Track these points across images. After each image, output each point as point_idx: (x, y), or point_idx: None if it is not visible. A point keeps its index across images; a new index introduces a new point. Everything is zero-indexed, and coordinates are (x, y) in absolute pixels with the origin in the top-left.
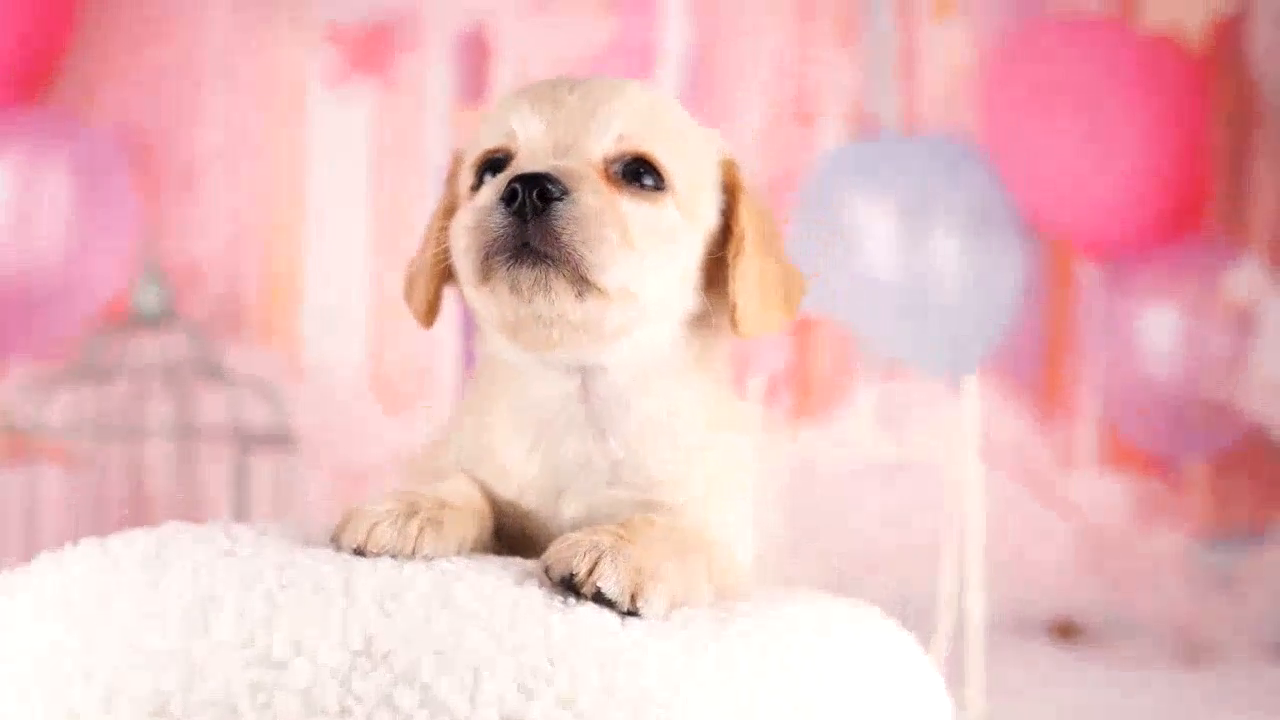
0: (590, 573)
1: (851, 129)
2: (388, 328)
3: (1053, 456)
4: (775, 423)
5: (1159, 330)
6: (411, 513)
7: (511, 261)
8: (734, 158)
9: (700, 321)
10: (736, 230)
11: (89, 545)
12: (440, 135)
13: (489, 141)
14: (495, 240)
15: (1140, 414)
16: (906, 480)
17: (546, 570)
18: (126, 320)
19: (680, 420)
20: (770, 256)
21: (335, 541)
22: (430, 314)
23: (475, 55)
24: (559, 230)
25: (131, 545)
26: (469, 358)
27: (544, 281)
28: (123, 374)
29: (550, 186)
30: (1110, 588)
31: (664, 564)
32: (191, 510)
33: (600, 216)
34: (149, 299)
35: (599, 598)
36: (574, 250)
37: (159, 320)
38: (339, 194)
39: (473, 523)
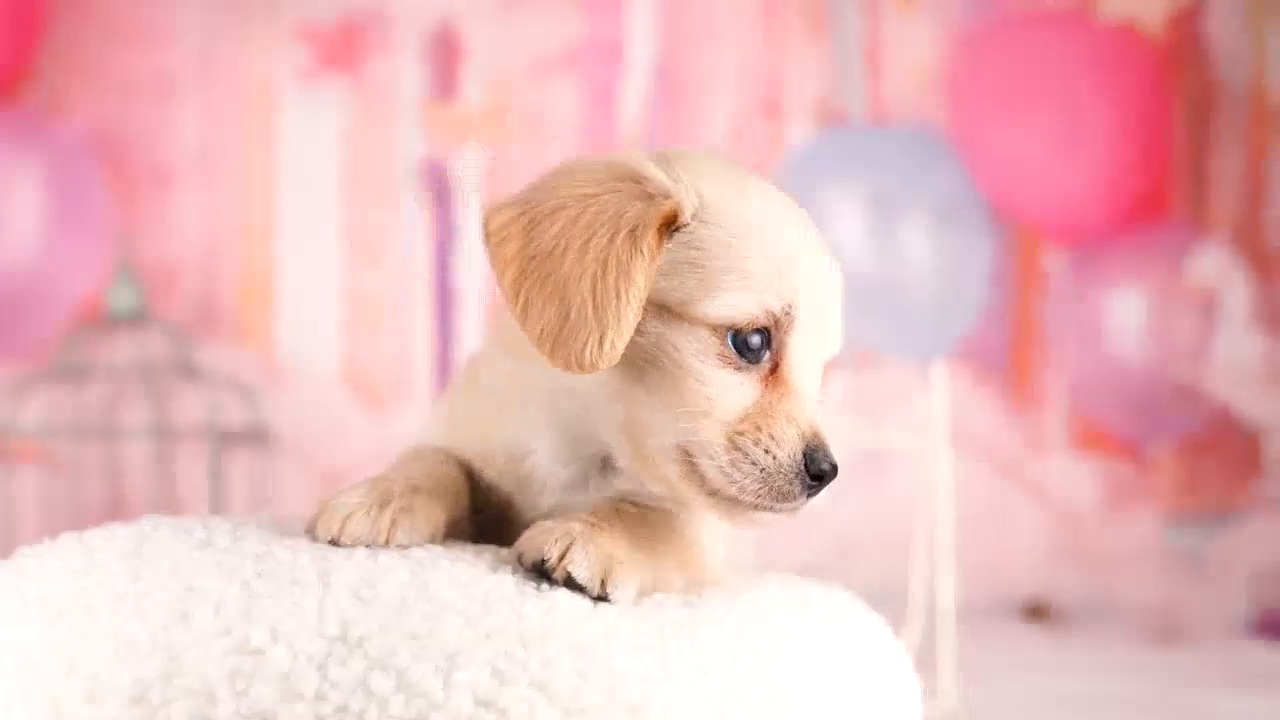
0: (562, 558)
1: (820, 122)
2: (362, 326)
3: (1023, 442)
4: None
5: (1126, 315)
6: (384, 502)
7: (776, 511)
8: None
9: None
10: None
11: (67, 539)
12: (411, 133)
13: (762, 304)
14: (776, 498)
15: (1108, 398)
16: (878, 468)
17: (519, 557)
18: (101, 320)
19: None
20: None
21: (310, 533)
22: (615, 357)
23: (445, 54)
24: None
25: (110, 539)
26: (444, 356)
27: (775, 520)
28: (98, 374)
29: (828, 468)
30: (1081, 571)
31: (634, 551)
32: (169, 509)
33: None
34: (124, 299)
35: (570, 583)
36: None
37: (134, 320)
38: (312, 193)
39: (444, 504)
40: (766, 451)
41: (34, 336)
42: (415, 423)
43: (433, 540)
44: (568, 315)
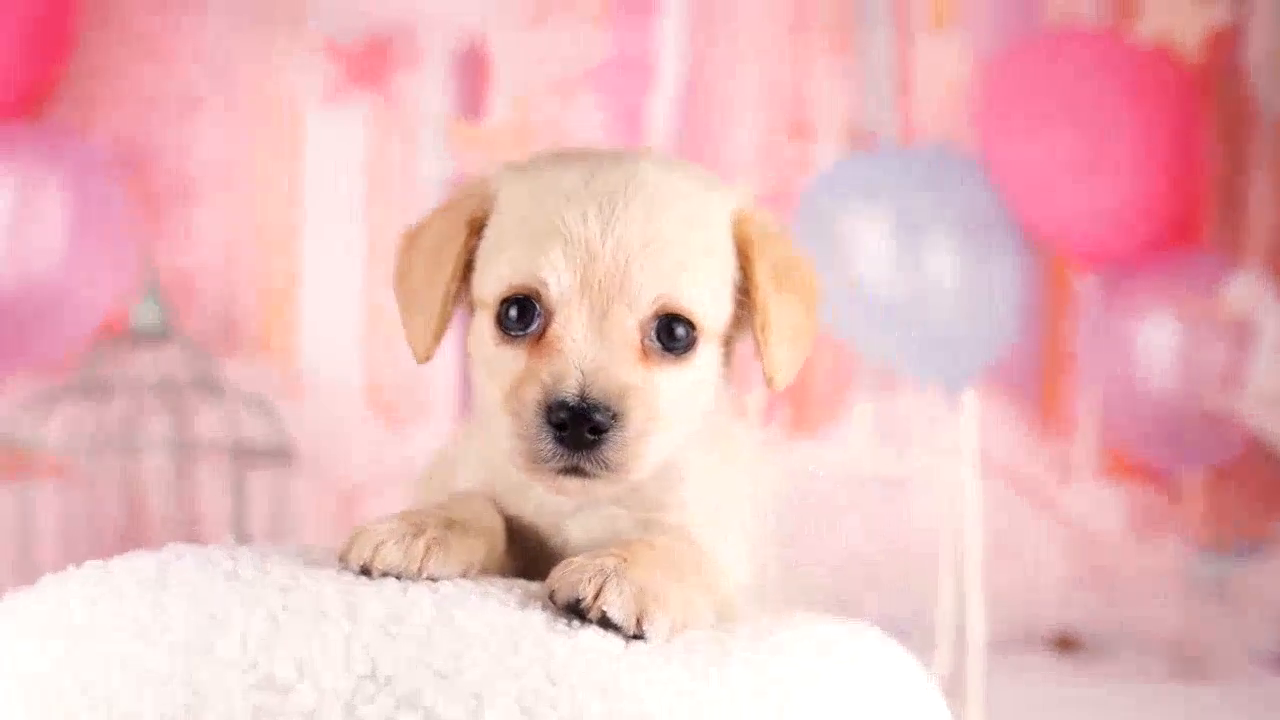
0: (596, 597)
1: (848, 143)
2: (385, 342)
3: (1051, 469)
4: (773, 437)
5: (1157, 342)
6: (418, 533)
7: (557, 474)
8: (745, 207)
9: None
10: (758, 299)
11: (91, 567)
12: (437, 150)
13: (515, 274)
14: (542, 458)
15: (1138, 426)
16: (904, 494)
17: (551, 595)
18: (124, 336)
19: (684, 453)
20: (789, 301)
21: (342, 559)
22: (433, 349)
23: (473, 71)
24: (608, 457)
25: (134, 568)
26: (465, 374)
27: (588, 487)
28: (120, 389)
29: (600, 418)
30: (1108, 600)
31: (667, 587)
32: (189, 526)
33: (647, 430)
34: (147, 315)
35: (604, 621)
36: (621, 468)
37: (156, 336)
38: (336, 209)
39: (480, 542)
40: (517, 415)
41: (56, 351)
42: (435, 440)
43: (465, 575)
44: (413, 317)
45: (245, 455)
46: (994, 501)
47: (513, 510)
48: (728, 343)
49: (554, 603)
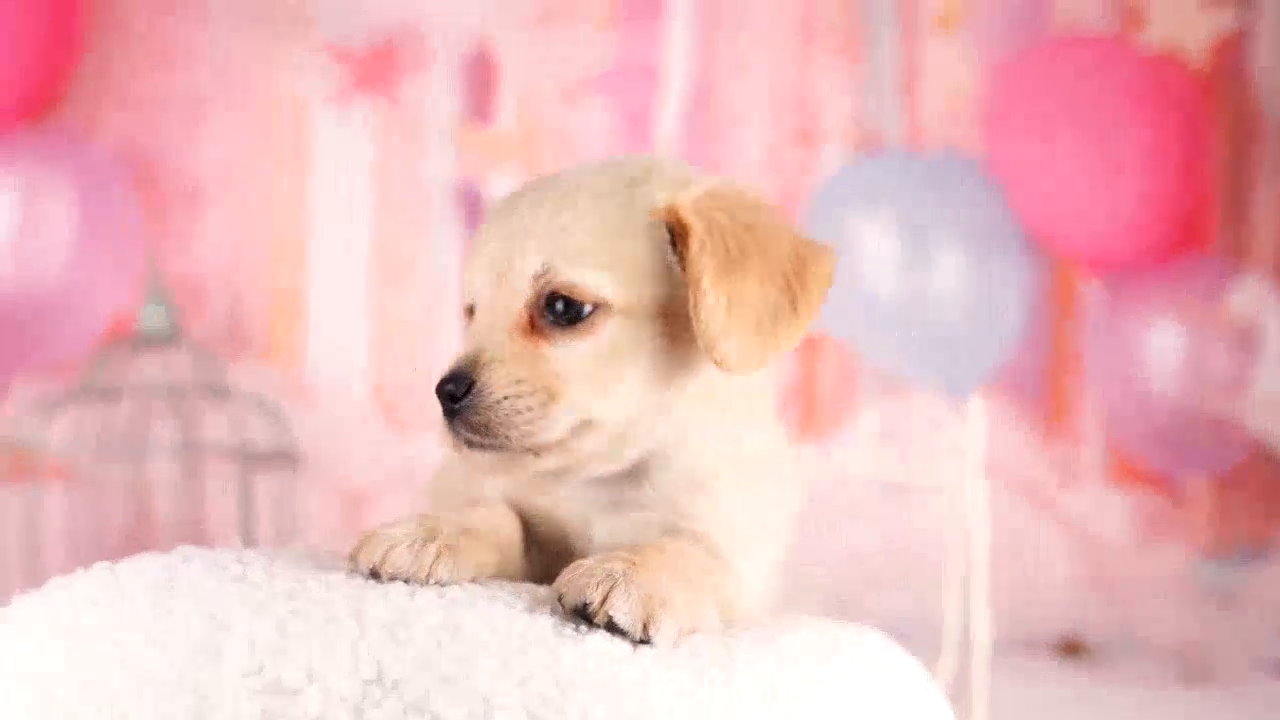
0: (603, 601)
1: (855, 148)
2: (391, 346)
3: (1055, 473)
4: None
5: (1162, 347)
6: (430, 538)
7: (464, 448)
8: (681, 198)
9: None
10: (689, 279)
11: (100, 570)
12: (444, 155)
13: (464, 295)
14: (446, 436)
15: (1143, 431)
16: (910, 498)
17: (560, 599)
18: (130, 339)
19: (709, 459)
20: (747, 279)
21: (352, 560)
22: None
23: (479, 75)
24: (478, 424)
25: (142, 571)
26: None
27: (499, 461)
28: (127, 393)
29: (452, 387)
30: (1113, 605)
31: (674, 591)
32: (195, 529)
33: (516, 393)
34: (153, 318)
35: (611, 626)
36: (499, 434)
37: (163, 339)
38: (342, 213)
39: (492, 552)
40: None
41: (63, 354)
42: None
43: (474, 581)
44: None
45: (251, 459)
46: (999, 506)
47: (541, 510)
48: (671, 314)
49: (562, 606)
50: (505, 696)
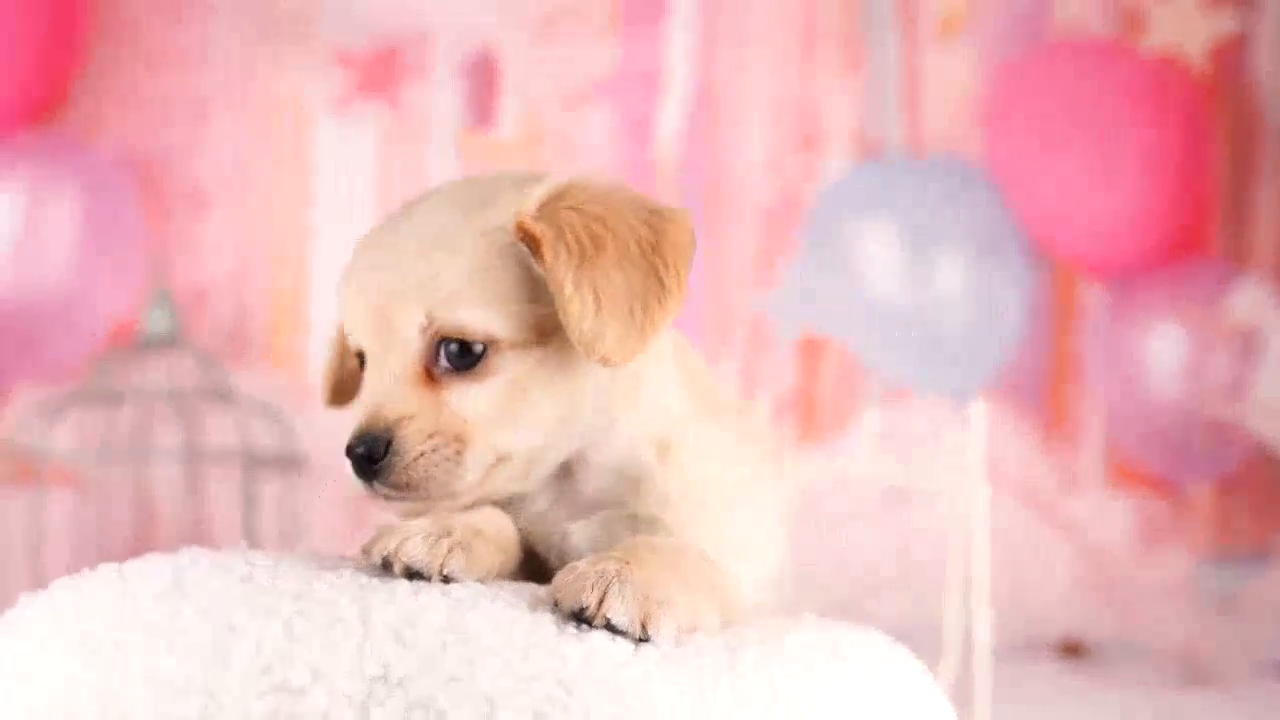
0: (600, 604)
1: (856, 153)
2: None
3: (1057, 478)
4: (780, 447)
5: (1163, 352)
6: (444, 534)
7: (387, 501)
8: (525, 209)
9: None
10: (553, 283)
11: (106, 571)
12: (446, 159)
13: (345, 330)
14: (367, 491)
15: (1144, 435)
16: (911, 503)
17: (556, 603)
18: (134, 344)
19: (681, 453)
20: (607, 270)
21: (365, 554)
22: (337, 398)
23: (482, 80)
24: (397, 482)
25: (148, 573)
26: None
27: (422, 509)
28: (130, 397)
29: (363, 450)
30: (1114, 609)
31: (671, 589)
32: (199, 533)
33: (433, 456)
34: (157, 322)
35: (609, 626)
36: (419, 489)
37: (166, 344)
38: (345, 218)
39: (498, 553)
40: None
41: (66, 359)
42: None
43: (482, 581)
44: None
45: (255, 463)
46: (1000, 510)
47: (519, 521)
48: (552, 333)
49: (559, 610)
50: (510, 696)
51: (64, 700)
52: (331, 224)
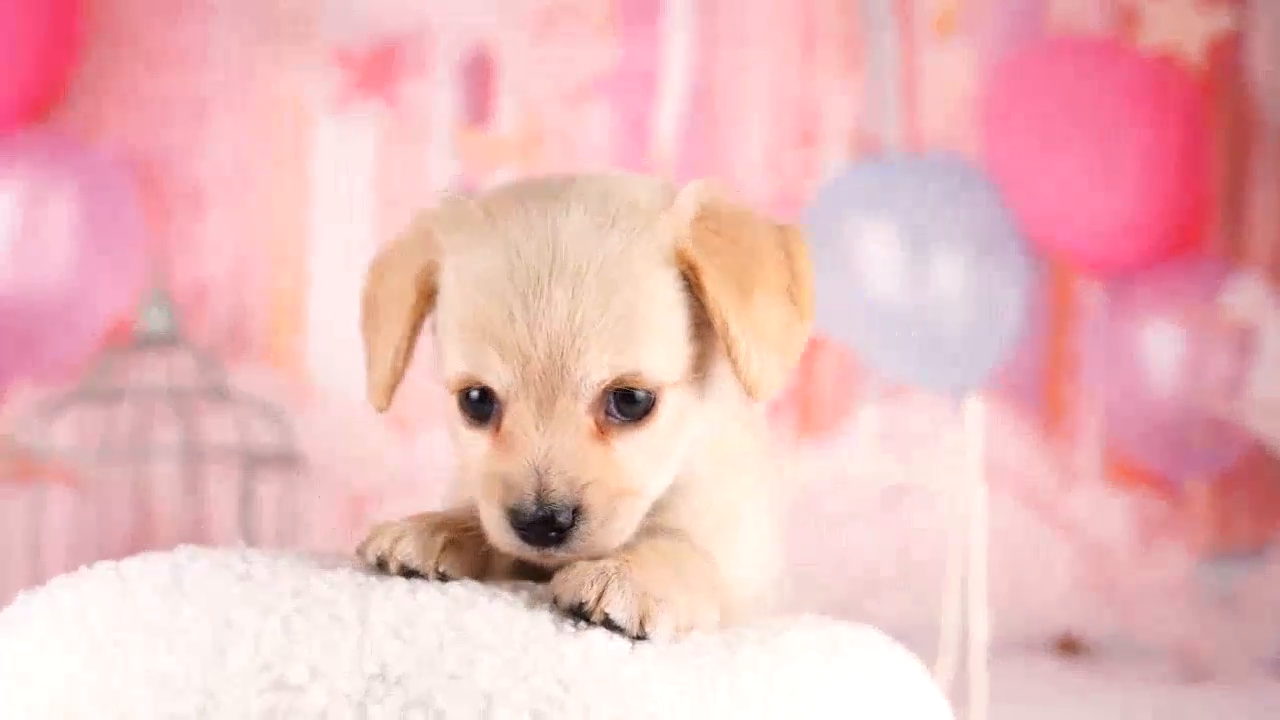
0: (599, 599)
1: (854, 151)
2: None
3: (1055, 475)
4: (779, 444)
5: (1160, 349)
6: (436, 531)
7: (539, 557)
8: (682, 231)
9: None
10: (717, 320)
11: (103, 569)
12: (444, 158)
13: (464, 369)
14: (519, 549)
15: (1141, 432)
16: (909, 500)
17: (555, 599)
18: (132, 342)
19: (688, 463)
20: (759, 305)
21: (359, 553)
22: (387, 402)
23: (480, 78)
24: (577, 546)
25: (146, 570)
26: None
27: (565, 563)
28: (128, 395)
29: (561, 520)
30: (1112, 606)
31: (670, 588)
32: (198, 532)
33: (612, 516)
34: (155, 321)
35: (608, 623)
36: (595, 550)
37: (165, 342)
38: (344, 216)
39: (492, 550)
40: (486, 511)
41: (65, 357)
42: (443, 446)
43: (478, 577)
44: (371, 366)
45: (253, 461)
46: (998, 507)
47: None
48: (701, 366)
49: (557, 606)
50: (508, 693)
51: (64, 699)
52: (330, 222)
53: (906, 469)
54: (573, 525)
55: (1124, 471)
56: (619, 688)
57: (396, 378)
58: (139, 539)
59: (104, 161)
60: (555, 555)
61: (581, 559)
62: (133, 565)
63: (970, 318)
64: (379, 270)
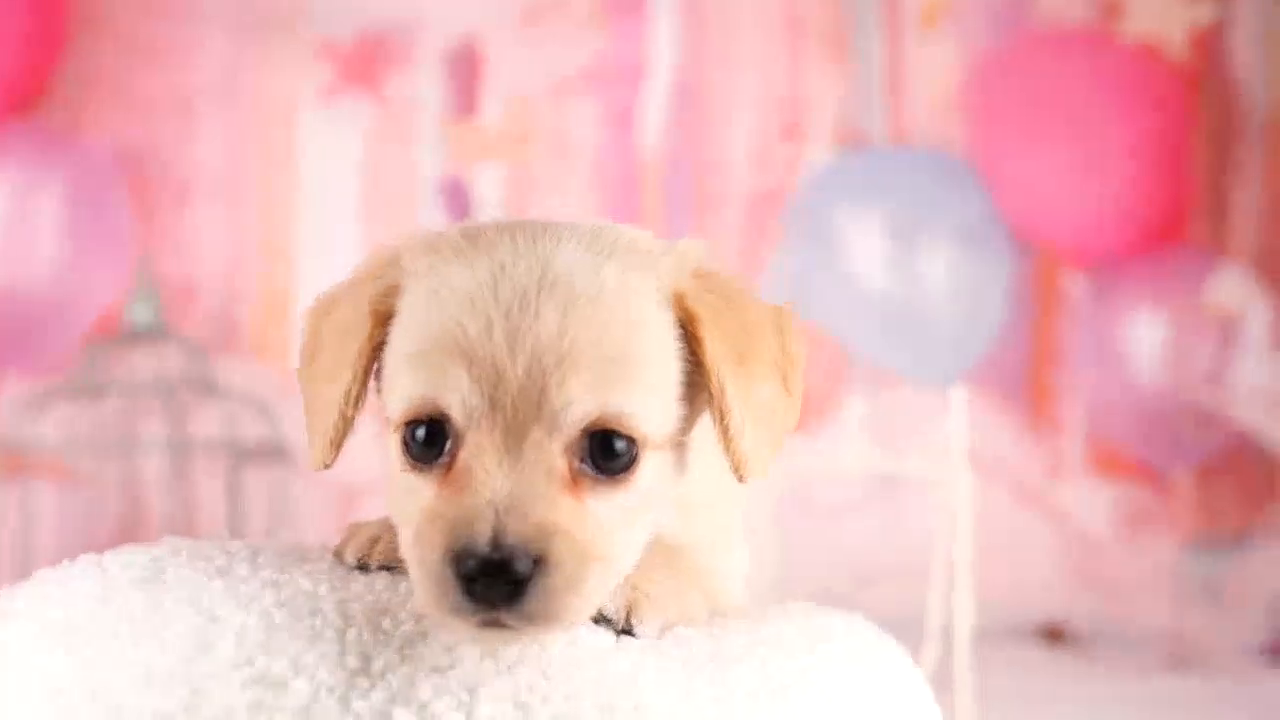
0: None
1: (840, 144)
2: None
3: (1040, 465)
4: None
5: (1144, 339)
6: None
7: (476, 626)
8: (685, 280)
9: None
10: (713, 385)
11: (86, 563)
12: (431, 150)
13: (417, 395)
14: (455, 610)
15: (1126, 422)
16: (895, 490)
17: None
18: (121, 335)
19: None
20: (754, 380)
21: (338, 555)
22: (332, 458)
23: (466, 70)
24: (532, 609)
25: (129, 564)
26: None
27: (515, 639)
28: (117, 389)
29: (519, 566)
30: (1098, 595)
31: (659, 584)
32: (186, 525)
33: (580, 574)
34: (143, 314)
35: (596, 617)
36: (553, 619)
37: (153, 335)
38: (332, 209)
39: None
40: (422, 563)
41: (54, 351)
42: None
43: None
44: (312, 416)
45: (241, 454)
46: (984, 497)
47: None
48: (685, 432)
49: None
50: (492, 686)
51: (56, 690)
52: (317, 215)
53: (892, 458)
54: (531, 579)
55: (1109, 460)
56: (604, 680)
57: (346, 428)
58: (127, 532)
59: (91, 156)
60: (505, 619)
61: (535, 630)
62: (114, 558)
63: (956, 308)
64: (323, 306)
